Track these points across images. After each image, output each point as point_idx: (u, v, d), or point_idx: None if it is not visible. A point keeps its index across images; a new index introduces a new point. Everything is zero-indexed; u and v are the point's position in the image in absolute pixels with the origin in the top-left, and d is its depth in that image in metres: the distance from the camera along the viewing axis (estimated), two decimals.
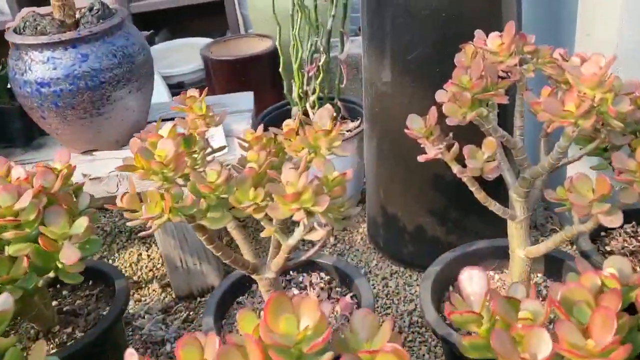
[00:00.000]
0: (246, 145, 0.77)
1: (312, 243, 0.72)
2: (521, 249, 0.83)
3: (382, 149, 1.23)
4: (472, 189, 0.77)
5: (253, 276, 0.82)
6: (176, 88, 2.26)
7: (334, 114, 1.41)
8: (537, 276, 0.93)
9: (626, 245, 0.93)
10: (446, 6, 1.03)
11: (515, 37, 0.72)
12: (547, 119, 0.65)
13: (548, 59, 0.74)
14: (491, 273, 0.95)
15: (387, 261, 1.34)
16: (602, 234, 0.96)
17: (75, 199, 0.83)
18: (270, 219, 0.72)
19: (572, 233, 0.74)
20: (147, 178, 0.67)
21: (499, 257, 0.94)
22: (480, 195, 0.78)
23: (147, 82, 1.22)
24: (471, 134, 0.81)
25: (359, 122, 1.45)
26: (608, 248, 0.92)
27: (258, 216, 0.67)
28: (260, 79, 1.90)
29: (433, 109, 0.72)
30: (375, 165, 1.27)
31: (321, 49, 1.31)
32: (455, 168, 0.75)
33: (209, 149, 0.83)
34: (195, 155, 0.78)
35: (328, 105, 0.75)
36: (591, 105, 0.62)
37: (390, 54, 1.11)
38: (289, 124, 0.76)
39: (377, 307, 1.23)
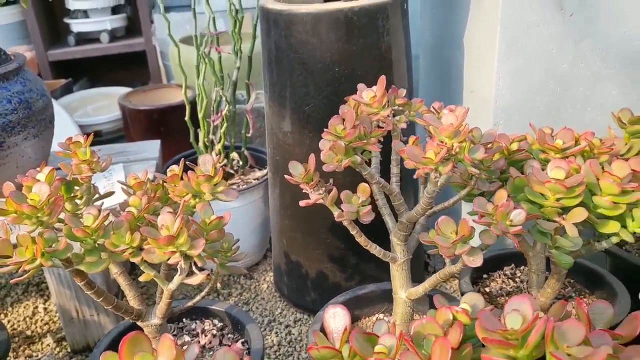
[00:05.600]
0: (130, 190, 0.78)
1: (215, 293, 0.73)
2: (403, 290, 0.86)
3: (284, 197, 1.26)
4: (353, 232, 0.81)
5: (138, 323, 0.81)
6: (94, 137, 2.23)
7: (239, 162, 1.43)
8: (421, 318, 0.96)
9: (504, 286, 0.98)
10: (338, 63, 1.09)
11: (387, 91, 0.77)
12: (412, 166, 0.69)
13: (424, 111, 0.80)
14: (380, 316, 0.98)
15: (292, 309, 1.35)
16: (484, 276, 1.02)
17: None
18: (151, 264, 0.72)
19: (444, 274, 0.78)
20: (20, 222, 0.66)
21: (388, 300, 0.97)
22: (360, 239, 0.82)
23: (46, 128, 1.20)
24: (355, 182, 0.85)
25: (266, 170, 1.47)
26: (487, 289, 0.98)
27: (135, 260, 0.68)
28: (179, 128, 1.92)
29: (312, 156, 0.76)
30: (278, 214, 1.30)
31: (225, 99, 1.35)
32: (336, 212, 0.78)
33: (97, 195, 0.83)
34: (78, 201, 0.77)
35: (207, 157, 0.77)
36: (448, 152, 0.67)
37: (289, 105, 1.16)
38: (172, 169, 0.77)
39: (280, 354, 1.22)
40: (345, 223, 0.79)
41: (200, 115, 1.38)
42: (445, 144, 0.68)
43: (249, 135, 1.43)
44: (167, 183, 0.76)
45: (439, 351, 0.48)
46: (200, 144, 1.42)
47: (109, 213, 0.69)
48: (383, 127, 0.78)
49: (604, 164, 0.81)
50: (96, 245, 0.68)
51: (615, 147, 0.90)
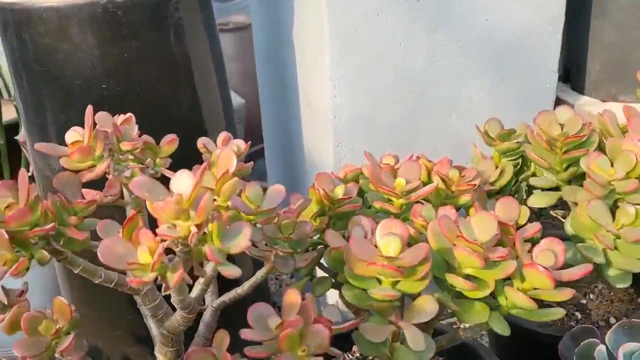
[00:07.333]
0: None
1: None
2: None
3: None
4: None
5: None
6: None
7: None
8: None
9: None
10: (106, 76, 0.77)
11: (95, 130, 0.46)
12: (124, 269, 0.39)
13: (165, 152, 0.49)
14: None
15: None
16: None
17: None
18: None
19: None
20: None
21: None
22: None
23: None
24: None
25: None
26: None
27: None
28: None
29: None
30: (67, 284, 0.97)
31: None
32: None
33: None
34: None
35: None
36: (179, 245, 0.37)
37: (52, 135, 0.83)
38: None
39: None
40: None
41: None
42: (178, 229, 0.38)
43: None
44: None
45: None
46: None
47: None
48: (102, 193, 0.46)
49: (464, 211, 0.55)
50: None
51: (478, 179, 0.65)
